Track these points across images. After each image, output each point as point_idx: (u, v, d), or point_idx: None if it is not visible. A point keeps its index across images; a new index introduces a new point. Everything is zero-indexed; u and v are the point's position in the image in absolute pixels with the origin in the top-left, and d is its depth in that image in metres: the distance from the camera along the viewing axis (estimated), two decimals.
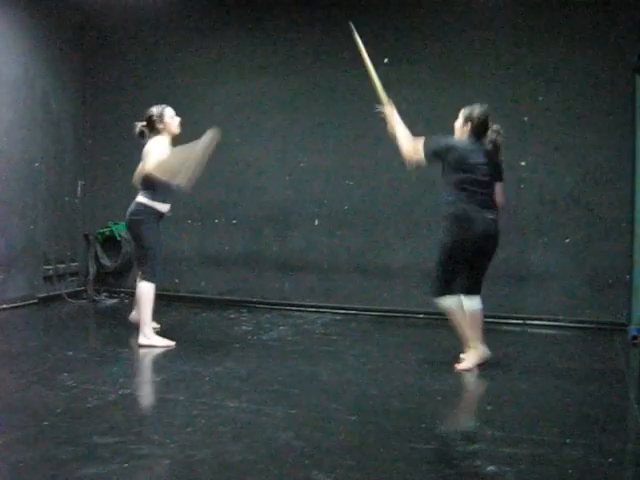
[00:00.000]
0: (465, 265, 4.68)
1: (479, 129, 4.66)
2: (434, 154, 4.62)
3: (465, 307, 4.70)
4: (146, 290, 5.29)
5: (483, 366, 4.67)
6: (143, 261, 5.35)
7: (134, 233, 5.37)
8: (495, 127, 4.76)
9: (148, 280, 5.30)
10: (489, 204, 4.65)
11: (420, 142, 4.64)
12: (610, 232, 6.24)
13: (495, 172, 4.73)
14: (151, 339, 5.29)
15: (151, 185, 5.25)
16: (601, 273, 6.27)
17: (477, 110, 4.68)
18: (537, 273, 6.46)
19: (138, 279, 5.68)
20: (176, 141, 5.46)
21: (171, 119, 5.38)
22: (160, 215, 5.35)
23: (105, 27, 7.77)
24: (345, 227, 7.04)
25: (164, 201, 5.34)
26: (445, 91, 6.43)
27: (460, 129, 4.73)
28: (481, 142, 4.70)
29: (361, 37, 6.91)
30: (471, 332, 4.68)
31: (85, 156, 7.88)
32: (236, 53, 7.36)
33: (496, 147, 4.77)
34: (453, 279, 4.67)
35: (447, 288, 4.67)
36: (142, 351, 5.15)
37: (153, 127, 5.35)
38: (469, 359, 4.69)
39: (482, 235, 4.58)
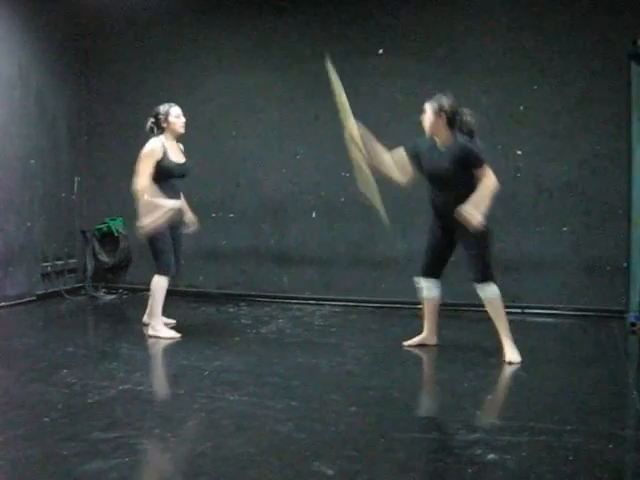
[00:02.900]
0: None
1: (454, 118, 4.60)
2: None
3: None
4: (158, 284, 5.37)
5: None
6: (155, 256, 5.40)
7: None
8: (467, 111, 4.65)
9: (161, 274, 5.37)
10: None
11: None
12: (607, 220, 6.24)
13: None
14: (158, 331, 5.35)
15: (155, 183, 5.29)
16: (599, 261, 6.28)
17: (446, 99, 4.61)
18: (535, 262, 6.46)
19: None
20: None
21: (176, 119, 5.42)
22: None
23: (100, 24, 7.73)
24: (343, 219, 7.03)
25: (169, 198, 5.36)
26: (440, 81, 6.39)
27: (434, 122, 4.62)
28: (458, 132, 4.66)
29: (357, 28, 6.96)
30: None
31: (81, 152, 7.86)
32: (231, 47, 7.33)
33: (473, 133, 4.66)
34: None
35: (493, 273, 4.64)
36: (141, 346, 5.15)
37: (159, 125, 5.41)
38: (514, 351, 4.60)
39: None
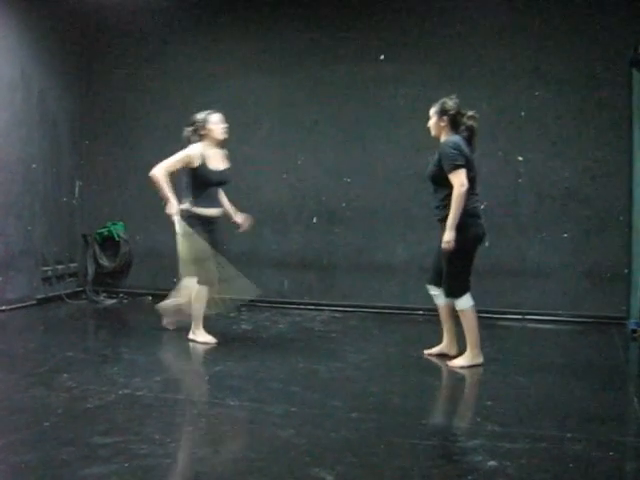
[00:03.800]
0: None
1: (456, 119, 4.61)
2: (464, 161, 4.49)
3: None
4: (199, 294, 5.31)
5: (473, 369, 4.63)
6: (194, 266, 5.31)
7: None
8: (470, 113, 4.65)
9: (201, 283, 5.30)
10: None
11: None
12: (608, 226, 6.25)
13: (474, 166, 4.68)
14: (196, 336, 5.32)
15: (194, 191, 5.25)
16: (600, 267, 6.28)
17: (449, 102, 4.63)
18: (536, 268, 6.46)
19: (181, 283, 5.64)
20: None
21: (215, 125, 5.34)
22: (207, 219, 5.31)
23: (102, 28, 7.74)
24: (343, 224, 7.03)
25: (209, 205, 5.32)
26: (442, 87, 6.38)
27: (436, 125, 4.66)
28: (459, 134, 4.63)
29: (359, 33, 6.97)
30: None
31: (82, 156, 7.86)
32: (232, 51, 7.35)
33: (473, 134, 4.65)
34: (469, 276, 4.64)
35: (467, 286, 4.61)
36: (142, 351, 5.15)
37: (197, 133, 5.34)
38: (467, 358, 4.64)
39: (484, 230, 4.65)
